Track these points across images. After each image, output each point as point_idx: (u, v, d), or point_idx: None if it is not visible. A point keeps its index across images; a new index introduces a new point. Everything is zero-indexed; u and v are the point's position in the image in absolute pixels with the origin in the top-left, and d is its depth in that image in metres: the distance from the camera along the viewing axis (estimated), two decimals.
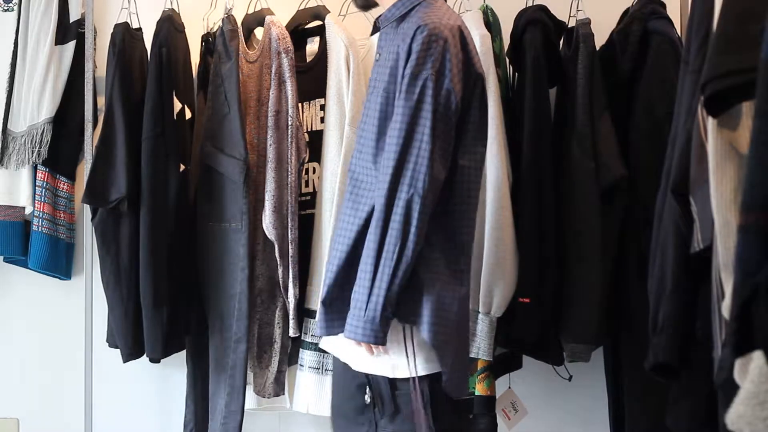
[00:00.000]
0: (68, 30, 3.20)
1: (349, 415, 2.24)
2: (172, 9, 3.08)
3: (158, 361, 3.04)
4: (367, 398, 2.15)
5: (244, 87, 2.92)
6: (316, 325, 2.18)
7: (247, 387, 2.89)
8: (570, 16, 3.02)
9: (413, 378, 2.10)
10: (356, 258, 2.09)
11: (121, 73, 2.99)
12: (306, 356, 2.93)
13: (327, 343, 2.30)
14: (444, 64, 2.07)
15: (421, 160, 2.03)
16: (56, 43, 3.17)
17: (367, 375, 2.15)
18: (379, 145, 2.11)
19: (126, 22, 3.10)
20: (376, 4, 2.32)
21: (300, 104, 2.95)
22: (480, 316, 2.73)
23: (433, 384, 2.13)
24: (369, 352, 2.09)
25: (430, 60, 2.05)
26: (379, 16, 2.30)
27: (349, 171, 2.19)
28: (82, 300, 3.21)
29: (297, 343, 2.98)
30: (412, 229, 2.02)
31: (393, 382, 2.13)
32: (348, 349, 2.16)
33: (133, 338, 2.97)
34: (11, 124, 3.16)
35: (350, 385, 2.23)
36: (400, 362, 2.11)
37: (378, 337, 2.04)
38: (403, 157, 2.03)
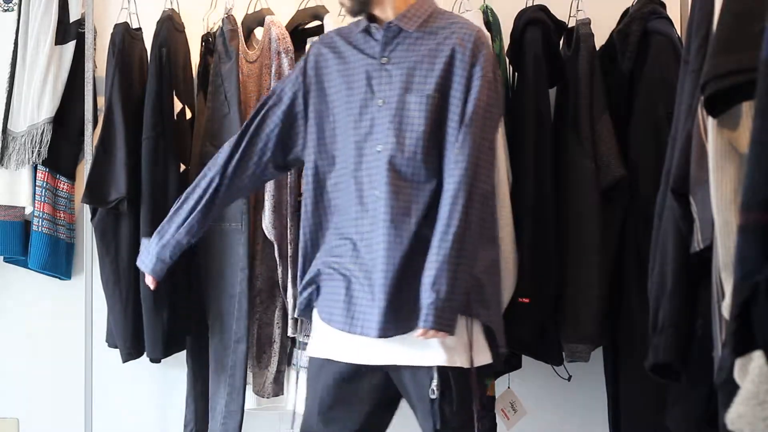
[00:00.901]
0: (68, 30, 3.20)
1: (384, 410, 2.31)
2: (172, 9, 3.08)
3: (159, 361, 3.04)
4: (433, 393, 2.15)
5: (244, 87, 2.93)
6: (375, 327, 2.13)
7: (247, 387, 2.89)
8: (570, 16, 3.02)
9: (472, 369, 2.17)
10: (414, 253, 2.15)
11: (121, 74, 2.99)
12: (302, 355, 2.93)
13: (360, 353, 2.23)
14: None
15: (492, 153, 2.22)
16: (56, 43, 3.17)
17: (438, 369, 2.15)
18: (430, 143, 2.19)
19: (126, 22, 3.10)
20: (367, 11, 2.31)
21: None
22: None
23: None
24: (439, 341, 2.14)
25: (494, 63, 2.26)
26: (372, 20, 2.29)
27: (388, 171, 2.18)
28: (82, 300, 3.21)
29: (294, 343, 2.98)
30: (483, 218, 2.17)
31: (461, 374, 2.17)
32: (413, 348, 2.16)
33: (132, 338, 2.97)
34: (11, 124, 3.16)
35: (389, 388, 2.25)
36: (466, 354, 2.17)
37: (455, 327, 2.12)
38: (478, 152, 2.16)
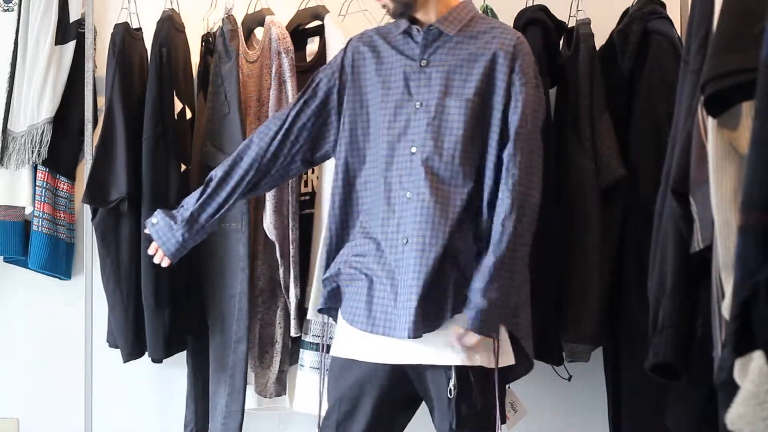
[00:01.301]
0: (68, 30, 3.20)
1: (403, 411, 2.33)
2: (172, 9, 3.08)
3: (160, 361, 3.04)
4: (451, 392, 2.16)
5: (244, 87, 2.93)
6: (404, 327, 2.14)
7: (249, 387, 2.89)
8: (570, 16, 3.02)
9: (495, 370, 2.19)
10: (447, 255, 2.16)
11: (121, 73, 2.99)
12: (306, 356, 2.93)
13: (366, 351, 2.25)
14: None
15: (540, 159, 2.24)
16: (56, 43, 3.17)
17: (458, 368, 2.17)
18: (468, 146, 2.20)
19: (126, 22, 3.10)
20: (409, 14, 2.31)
21: None
22: None
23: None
24: (473, 346, 2.15)
25: (535, 68, 2.27)
26: (414, 23, 2.29)
27: (426, 174, 2.19)
28: (82, 300, 3.21)
29: (296, 343, 2.98)
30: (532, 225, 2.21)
31: (481, 375, 2.18)
32: (434, 347, 2.17)
33: (133, 338, 2.97)
34: (11, 124, 3.16)
35: (403, 386, 2.26)
36: (488, 354, 2.18)
37: (498, 331, 2.18)
38: (529, 161, 2.19)
